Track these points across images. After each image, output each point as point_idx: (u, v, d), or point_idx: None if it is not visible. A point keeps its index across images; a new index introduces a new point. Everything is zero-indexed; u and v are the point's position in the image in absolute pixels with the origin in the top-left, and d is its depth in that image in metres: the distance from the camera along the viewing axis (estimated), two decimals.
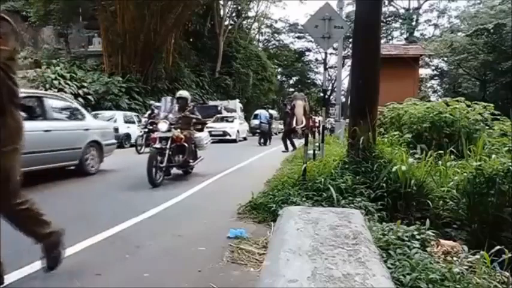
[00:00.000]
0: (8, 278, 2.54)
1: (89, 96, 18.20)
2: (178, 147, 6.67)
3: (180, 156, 6.82)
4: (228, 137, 18.36)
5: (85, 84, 18.67)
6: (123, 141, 13.89)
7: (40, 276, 2.63)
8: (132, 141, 14.38)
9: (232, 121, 20.37)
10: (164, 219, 4.33)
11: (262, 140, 17.13)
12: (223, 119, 20.62)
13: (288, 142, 12.91)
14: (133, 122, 14.96)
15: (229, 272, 2.84)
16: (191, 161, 7.20)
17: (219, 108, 23.45)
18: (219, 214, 4.55)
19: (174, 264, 3.02)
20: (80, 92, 17.94)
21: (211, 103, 25.89)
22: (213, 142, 14.77)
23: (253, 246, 3.34)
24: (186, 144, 6.75)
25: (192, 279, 2.72)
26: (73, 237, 3.40)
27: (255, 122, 21.91)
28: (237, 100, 27.55)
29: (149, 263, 2.99)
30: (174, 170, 7.05)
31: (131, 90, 20.79)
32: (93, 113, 15.17)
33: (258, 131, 18.31)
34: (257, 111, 24.11)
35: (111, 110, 16.98)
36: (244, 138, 20.63)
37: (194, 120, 7.32)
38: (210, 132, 17.72)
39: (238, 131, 19.31)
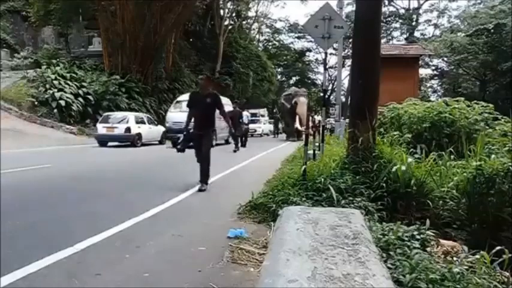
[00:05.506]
0: (5, 280, 2.54)
1: (89, 96, 18.23)
2: None
3: None
4: None
5: (85, 84, 18.70)
6: (134, 140, 14.42)
7: (40, 276, 2.63)
8: (144, 140, 14.98)
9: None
10: (164, 219, 4.32)
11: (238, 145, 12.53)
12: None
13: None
14: (143, 123, 15.50)
15: (229, 272, 2.84)
16: None
17: (257, 115, 22.13)
18: (219, 214, 4.55)
19: (174, 264, 3.02)
20: (80, 92, 17.98)
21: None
22: None
23: (253, 246, 3.34)
24: None
25: (192, 279, 2.72)
26: (74, 236, 3.41)
27: (174, 118, 12.68)
28: (265, 108, 27.22)
29: (149, 263, 2.99)
30: None
31: (131, 90, 20.79)
32: (105, 114, 15.53)
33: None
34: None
35: (113, 111, 17.21)
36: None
37: None
38: None
39: None
